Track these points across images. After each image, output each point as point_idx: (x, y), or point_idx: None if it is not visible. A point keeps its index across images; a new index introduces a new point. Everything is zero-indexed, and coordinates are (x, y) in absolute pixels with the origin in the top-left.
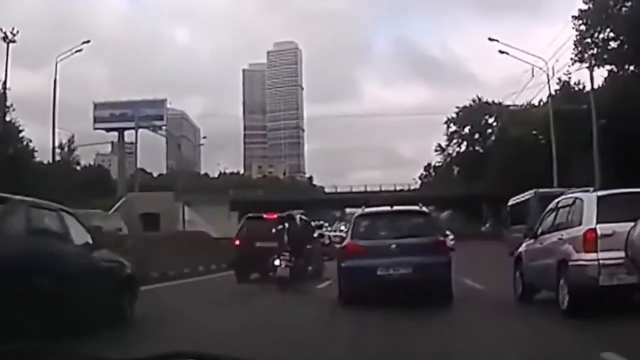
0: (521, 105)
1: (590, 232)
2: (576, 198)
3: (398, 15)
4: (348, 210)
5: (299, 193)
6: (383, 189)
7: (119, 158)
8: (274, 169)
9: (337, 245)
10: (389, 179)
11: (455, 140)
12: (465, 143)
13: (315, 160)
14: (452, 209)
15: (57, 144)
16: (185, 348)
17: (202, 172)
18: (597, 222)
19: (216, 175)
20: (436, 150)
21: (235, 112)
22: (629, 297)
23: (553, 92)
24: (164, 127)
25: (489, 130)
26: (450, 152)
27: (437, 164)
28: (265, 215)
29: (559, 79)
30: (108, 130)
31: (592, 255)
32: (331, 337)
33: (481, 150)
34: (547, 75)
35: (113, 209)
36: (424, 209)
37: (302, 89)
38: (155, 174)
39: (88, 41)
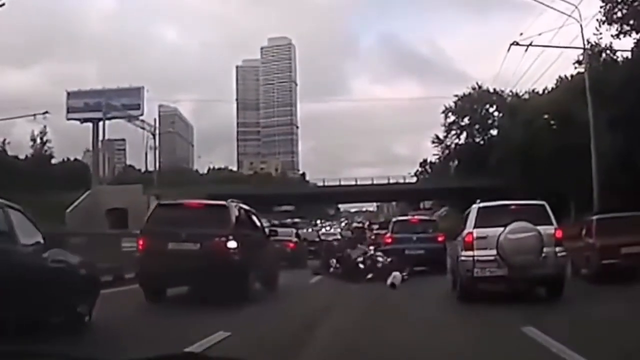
0: (524, 94)
1: (468, 235)
2: (472, 208)
3: (392, 11)
4: (342, 207)
5: (287, 187)
6: (375, 182)
7: (94, 150)
8: (267, 165)
9: (328, 242)
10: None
11: (453, 132)
12: (464, 134)
13: (310, 157)
14: (450, 206)
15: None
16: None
17: (194, 168)
18: (474, 227)
19: (205, 171)
20: (433, 142)
21: (228, 109)
22: (499, 285)
23: (579, 57)
24: (140, 118)
25: (490, 121)
26: (449, 143)
27: (434, 159)
28: (184, 203)
29: (587, 40)
30: (82, 121)
31: (470, 253)
32: None
33: (482, 142)
34: (580, 25)
35: (74, 204)
36: (433, 218)
37: (296, 84)
38: (143, 170)
39: (3, 4)
